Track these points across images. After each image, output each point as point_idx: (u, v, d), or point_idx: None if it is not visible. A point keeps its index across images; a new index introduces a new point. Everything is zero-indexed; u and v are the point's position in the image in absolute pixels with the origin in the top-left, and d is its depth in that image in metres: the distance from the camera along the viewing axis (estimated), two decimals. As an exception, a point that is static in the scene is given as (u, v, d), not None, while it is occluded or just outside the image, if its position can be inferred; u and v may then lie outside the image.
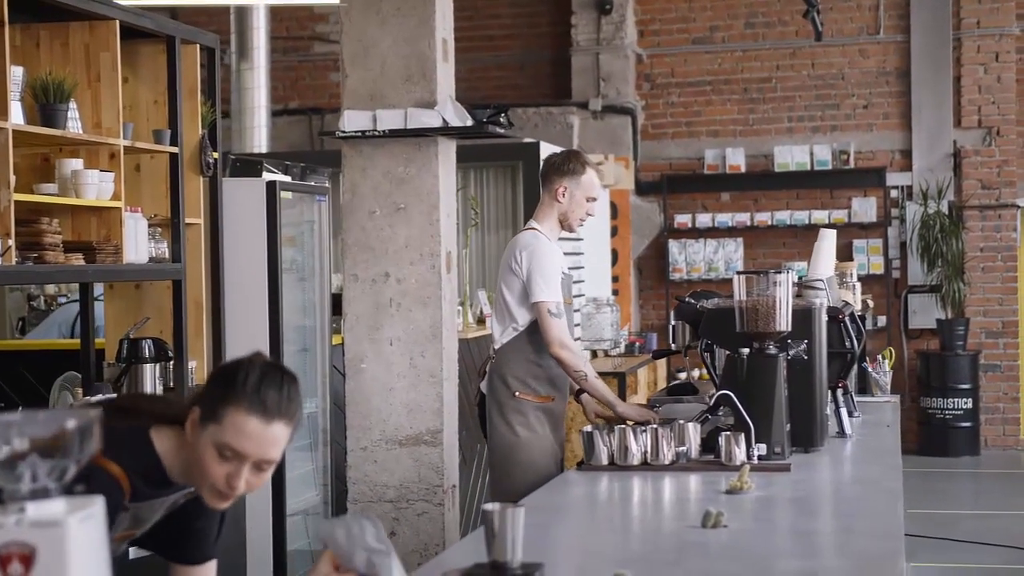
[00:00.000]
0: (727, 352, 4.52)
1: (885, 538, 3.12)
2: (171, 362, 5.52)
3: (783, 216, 12.67)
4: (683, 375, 12.27)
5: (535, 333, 5.16)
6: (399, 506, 5.73)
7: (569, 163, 5.27)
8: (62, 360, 6.00)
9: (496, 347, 5.28)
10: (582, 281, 10.47)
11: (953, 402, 12.16)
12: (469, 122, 5.79)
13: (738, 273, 4.44)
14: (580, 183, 5.23)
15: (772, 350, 4.37)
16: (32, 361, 6.55)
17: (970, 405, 12.18)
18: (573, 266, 10.23)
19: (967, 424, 12.20)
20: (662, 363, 11.38)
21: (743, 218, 12.75)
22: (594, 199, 5.29)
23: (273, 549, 6.25)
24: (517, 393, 5.17)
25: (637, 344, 11.27)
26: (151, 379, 5.37)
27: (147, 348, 5.37)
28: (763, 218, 12.71)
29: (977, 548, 8.45)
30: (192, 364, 5.71)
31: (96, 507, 1.78)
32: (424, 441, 5.79)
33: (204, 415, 2.57)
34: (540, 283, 5.08)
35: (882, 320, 12.50)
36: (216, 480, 2.57)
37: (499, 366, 5.23)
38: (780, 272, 4.40)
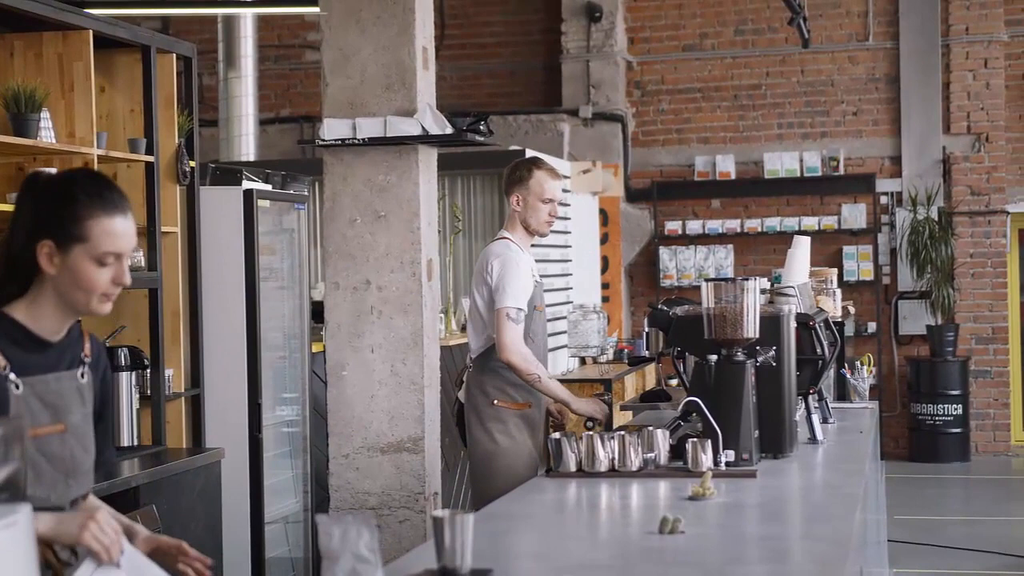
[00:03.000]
0: (696, 359, 4.53)
1: (836, 543, 3.14)
2: (147, 370, 5.53)
3: (773, 223, 12.69)
4: (674, 382, 12.27)
5: None
6: (381, 513, 5.74)
7: (516, 171, 5.43)
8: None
9: (473, 356, 5.38)
10: (570, 288, 10.50)
11: (943, 408, 12.17)
12: (448, 130, 5.81)
13: (706, 280, 4.46)
14: (529, 188, 5.36)
15: (740, 357, 4.38)
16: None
17: (960, 411, 12.19)
18: (561, 273, 10.28)
19: (957, 430, 12.20)
20: (651, 369, 11.39)
21: (733, 225, 12.77)
22: (550, 200, 5.38)
23: (251, 557, 6.26)
24: (496, 401, 5.27)
25: (626, 351, 11.28)
26: (127, 387, 5.38)
27: (123, 356, 5.39)
28: (753, 225, 12.73)
29: (964, 554, 8.46)
30: (169, 372, 5.72)
31: (21, 515, 1.80)
32: (406, 448, 5.80)
33: (62, 243, 2.66)
34: (505, 290, 5.20)
35: (872, 326, 12.51)
36: (103, 288, 2.68)
37: (477, 375, 5.32)
38: (748, 279, 4.41)
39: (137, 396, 5.45)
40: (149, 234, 5.57)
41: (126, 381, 5.39)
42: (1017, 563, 8.21)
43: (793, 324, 4.67)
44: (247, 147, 10.46)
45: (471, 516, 2.75)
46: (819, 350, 4.99)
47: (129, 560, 2.65)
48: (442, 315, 8.18)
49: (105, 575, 2.61)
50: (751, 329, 4.38)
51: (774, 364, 4.50)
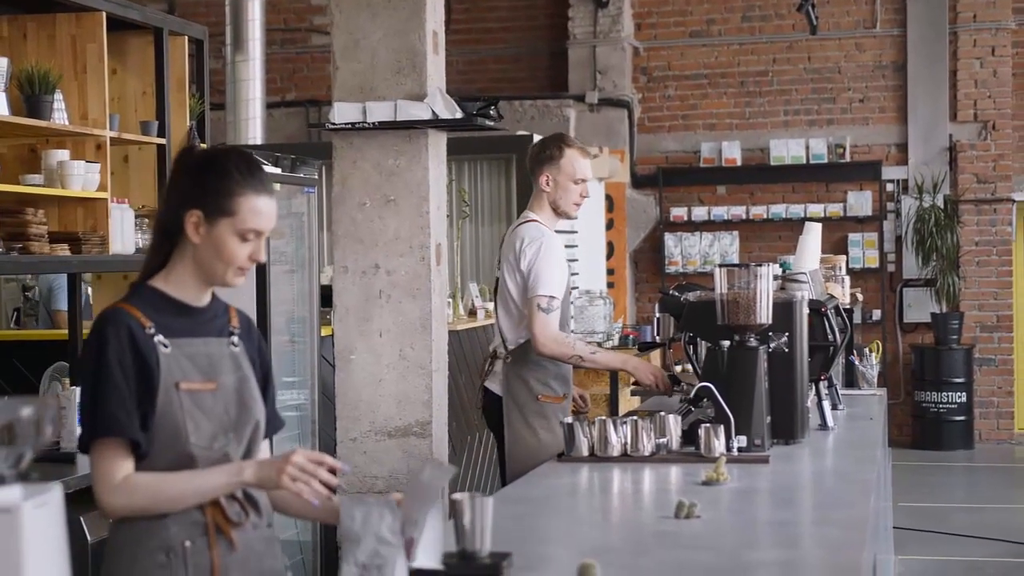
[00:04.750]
0: (708, 344, 4.53)
1: (852, 528, 3.14)
2: (158, 352, 5.52)
3: (779, 209, 12.68)
4: (679, 368, 12.29)
5: None
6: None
7: (546, 150, 5.20)
8: (54, 350, 6.02)
9: (510, 347, 5.15)
10: (576, 274, 10.50)
11: (947, 396, 12.18)
12: (459, 115, 5.80)
13: (719, 266, 4.45)
14: (560, 167, 5.14)
15: (753, 343, 4.38)
16: (24, 351, 6.57)
17: (964, 399, 12.20)
18: (568, 258, 10.27)
19: (961, 418, 12.22)
20: (656, 355, 11.40)
21: (739, 211, 12.77)
22: (582, 180, 5.16)
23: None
24: (540, 396, 5.08)
25: (632, 337, 11.28)
26: (138, 370, 5.37)
27: (134, 339, 5.38)
28: (759, 211, 12.73)
29: (967, 541, 8.47)
30: (179, 354, 5.72)
31: (52, 495, 1.80)
32: (413, 432, 5.80)
33: (210, 214, 2.79)
34: (539, 278, 5.01)
35: (877, 314, 12.51)
36: (240, 262, 2.82)
37: (518, 367, 5.11)
38: (761, 265, 4.41)
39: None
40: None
41: (137, 364, 5.38)
42: (1021, 550, 8.23)
43: (806, 310, 4.67)
44: (254, 131, 10.43)
45: (490, 499, 2.75)
46: (830, 336, 5.00)
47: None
48: (449, 300, 8.18)
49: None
50: (764, 315, 4.38)
51: (786, 350, 4.50)
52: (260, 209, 2.80)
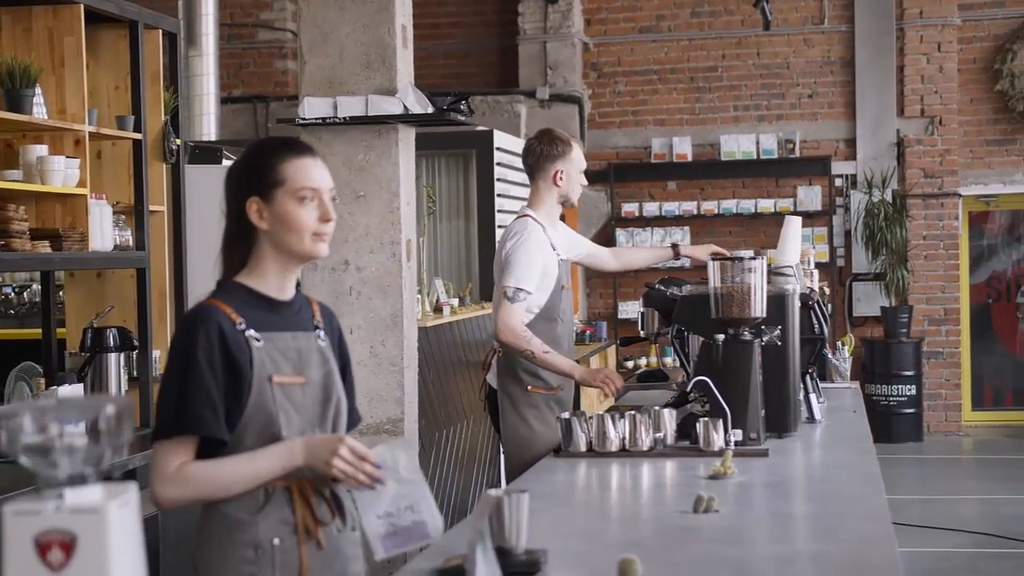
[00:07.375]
0: (702, 339, 4.53)
1: (875, 521, 3.16)
2: (135, 351, 5.45)
3: (729, 205, 12.74)
4: (630, 364, 12.33)
5: (540, 324, 5.08)
6: (360, 495, 5.69)
7: (557, 146, 5.25)
8: (22, 350, 5.92)
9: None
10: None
11: (897, 388, 12.30)
12: (430, 109, 5.78)
13: (713, 259, 4.45)
14: (572, 161, 5.27)
15: (747, 336, 4.39)
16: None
17: (913, 391, 12.32)
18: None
19: (910, 410, 12.34)
20: (612, 351, 11.45)
21: (690, 207, 12.81)
22: (583, 169, 5.35)
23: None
24: (530, 387, 5.13)
25: (588, 333, 11.31)
26: (115, 368, 5.30)
27: (111, 337, 5.30)
28: (710, 207, 12.77)
29: (919, 532, 8.56)
30: (156, 353, 5.64)
31: (131, 494, 1.76)
32: (385, 430, 5.78)
33: (265, 193, 2.81)
34: (511, 268, 5.04)
35: (827, 308, 12.59)
36: (310, 224, 2.81)
37: (509, 360, 5.14)
38: (755, 258, 4.41)
39: (126, 377, 5.37)
40: (137, 213, 5.48)
41: (115, 362, 5.30)
42: (971, 540, 8.34)
43: (797, 303, 4.68)
44: (208, 126, 10.31)
45: (526, 495, 2.73)
46: (817, 329, 5.02)
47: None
48: (417, 296, 8.14)
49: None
50: (758, 308, 4.38)
51: (779, 343, 4.50)
52: (305, 167, 2.82)
